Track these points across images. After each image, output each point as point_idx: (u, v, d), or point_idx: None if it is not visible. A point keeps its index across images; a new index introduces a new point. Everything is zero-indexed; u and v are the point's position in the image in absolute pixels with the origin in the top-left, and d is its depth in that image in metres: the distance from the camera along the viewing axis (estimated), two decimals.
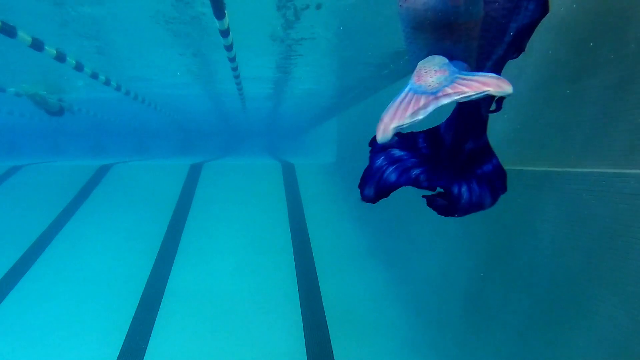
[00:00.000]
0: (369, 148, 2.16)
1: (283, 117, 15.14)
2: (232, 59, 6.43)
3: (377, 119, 1.64)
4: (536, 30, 1.90)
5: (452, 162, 2.13)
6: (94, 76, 7.56)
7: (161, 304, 5.17)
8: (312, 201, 7.89)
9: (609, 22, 2.13)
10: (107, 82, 8.26)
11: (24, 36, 5.31)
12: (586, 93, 2.31)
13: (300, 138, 20.73)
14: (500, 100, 1.91)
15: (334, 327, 4.70)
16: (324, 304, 5.15)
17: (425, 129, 2.19)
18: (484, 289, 3.26)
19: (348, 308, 5.11)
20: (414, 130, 2.15)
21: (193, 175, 9.01)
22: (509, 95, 1.51)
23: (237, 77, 7.77)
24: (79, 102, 10.63)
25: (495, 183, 2.08)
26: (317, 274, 5.80)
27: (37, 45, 5.60)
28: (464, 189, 2.07)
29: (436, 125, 2.20)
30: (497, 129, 2.51)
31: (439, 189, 2.17)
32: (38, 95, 9.08)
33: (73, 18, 4.87)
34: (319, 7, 4.52)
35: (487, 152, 2.11)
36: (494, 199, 2.08)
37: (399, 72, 6.51)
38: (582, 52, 2.33)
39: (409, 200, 4.90)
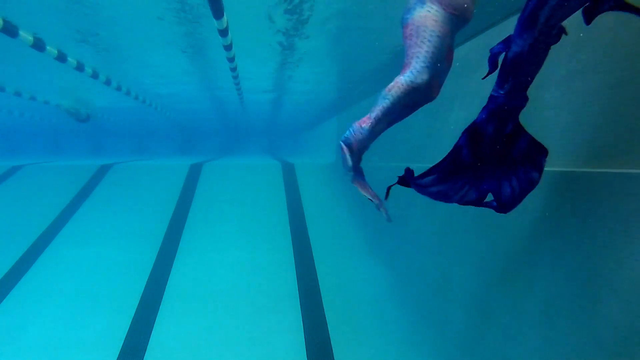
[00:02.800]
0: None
1: (283, 117, 15.14)
2: (231, 59, 6.43)
3: None
4: None
5: (493, 155, 2.17)
6: (95, 76, 7.56)
7: (161, 304, 5.17)
8: (312, 201, 7.89)
9: None
10: (107, 82, 8.27)
11: (26, 36, 5.33)
12: (587, 93, 2.31)
13: (300, 138, 20.74)
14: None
15: (334, 327, 4.70)
16: (324, 303, 5.15)
17: (464, 132, 2.20)
18: (484, 288, 3.26)
19: (348, 308, 5.11)
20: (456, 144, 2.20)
21: (193, 175, 9.01)
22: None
23: (235, 77, 7.78)
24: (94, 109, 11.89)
25: (534, 156, 2.11)
26: (317, 273, 5.80)
27: (38, 45, 5.63)
28: (513, 183, 2.13)
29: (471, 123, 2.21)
30: None
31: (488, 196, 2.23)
32: (72, 108, 10.99)
33: (76, 12, 4.86)
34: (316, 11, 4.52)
35: (519, 131, 2.15)
36: (540, 170, 2.10)
37: (398, 72, 6.50)
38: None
39: (409, 199, 4.90)
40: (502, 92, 2.04)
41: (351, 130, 2.23)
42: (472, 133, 2.17)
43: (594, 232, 2.08)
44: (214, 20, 4.56)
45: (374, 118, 2.17)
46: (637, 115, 1.99)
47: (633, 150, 1.97)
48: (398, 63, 6.90)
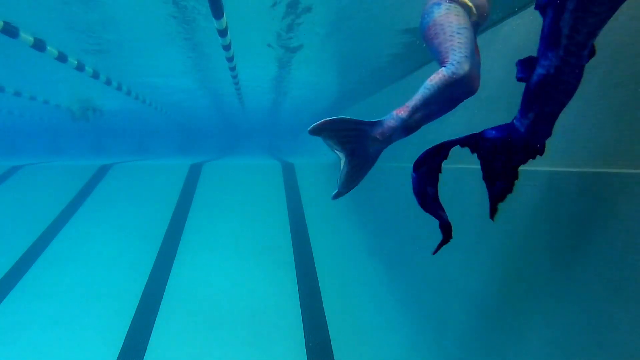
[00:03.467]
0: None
1: (283, 117, 15.14)
2: (230, 59, 6.44)
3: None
4: None
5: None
6: (95, 75, 7.57)
7: (161, 304, 5.17)
8: (312, 201, 7.88)
9: None
10: (107, 82, 8.27)
11: (26, 36, 5.33)
12: (587, 93, 2.31)
13: (300, 138, 20.72)
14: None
15: (334, 327, 4.70)
16: (324, 304, 5.15)
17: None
18: (484, 288, 3.26)
19: (348, 308, 5.11)
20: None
21: (193, 175, 9.01)
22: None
23: (235, 77, 7.79)
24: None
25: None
26: (317, 274, 5.79)
27: (39, 46, 5.64)
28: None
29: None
30: None
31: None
32: (78, 110, 11.44)
33: (77, 14, 4.87)
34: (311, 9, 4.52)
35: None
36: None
37: (397, 72, 6.52)
38: None
39: (409, 199, 4.90)
40: (525, 122, 1.87)
41: (388, 116, 2.10)
42: (470, 140, 2.06)
43: (594, 231, 2.08)
44: (214, 20, 4.57)
45: (412, 107, 2.06)
46: (638, 115, 1.98)
47: (633, 150, 1.97)
48: (398, 63, 6.90)
